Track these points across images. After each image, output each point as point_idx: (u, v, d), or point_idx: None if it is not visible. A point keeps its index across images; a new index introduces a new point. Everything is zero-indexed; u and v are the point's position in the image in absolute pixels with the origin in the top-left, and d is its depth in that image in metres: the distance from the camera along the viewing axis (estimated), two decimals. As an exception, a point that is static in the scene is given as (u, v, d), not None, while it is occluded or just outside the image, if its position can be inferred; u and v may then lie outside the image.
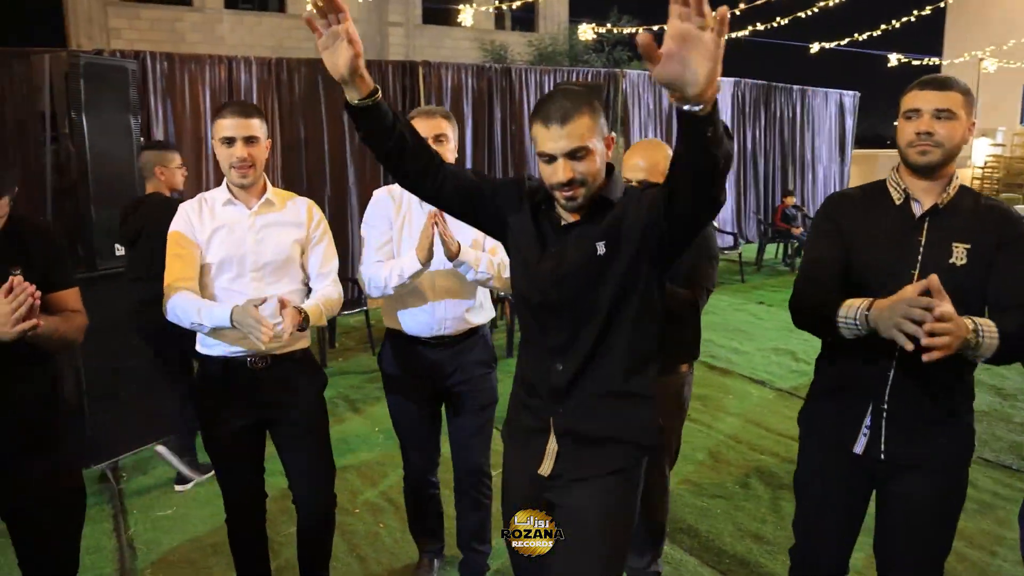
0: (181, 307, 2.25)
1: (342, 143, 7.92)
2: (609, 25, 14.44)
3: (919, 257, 1.86)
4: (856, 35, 14.13)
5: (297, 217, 2.46)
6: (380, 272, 2.47)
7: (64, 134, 3.80)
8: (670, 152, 2.32)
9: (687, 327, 2.47)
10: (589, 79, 9.70)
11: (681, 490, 3.70)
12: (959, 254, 1.83)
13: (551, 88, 8.51)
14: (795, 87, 12.46)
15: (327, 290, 2.46)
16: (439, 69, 8.52)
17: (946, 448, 1.91)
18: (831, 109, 13.28)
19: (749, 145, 11.86)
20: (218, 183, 2.59)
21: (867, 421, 1.94)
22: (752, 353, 6.31)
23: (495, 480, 2.60)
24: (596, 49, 19.15)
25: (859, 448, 1.96)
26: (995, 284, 1.82)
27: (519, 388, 1.96)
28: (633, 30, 13.92)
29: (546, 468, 1.85)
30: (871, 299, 1.71)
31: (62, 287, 2.07)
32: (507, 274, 2.37)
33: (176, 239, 2.35)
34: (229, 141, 2.30)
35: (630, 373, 1.79)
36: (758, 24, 11.82)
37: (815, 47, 14.20)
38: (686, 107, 1.32)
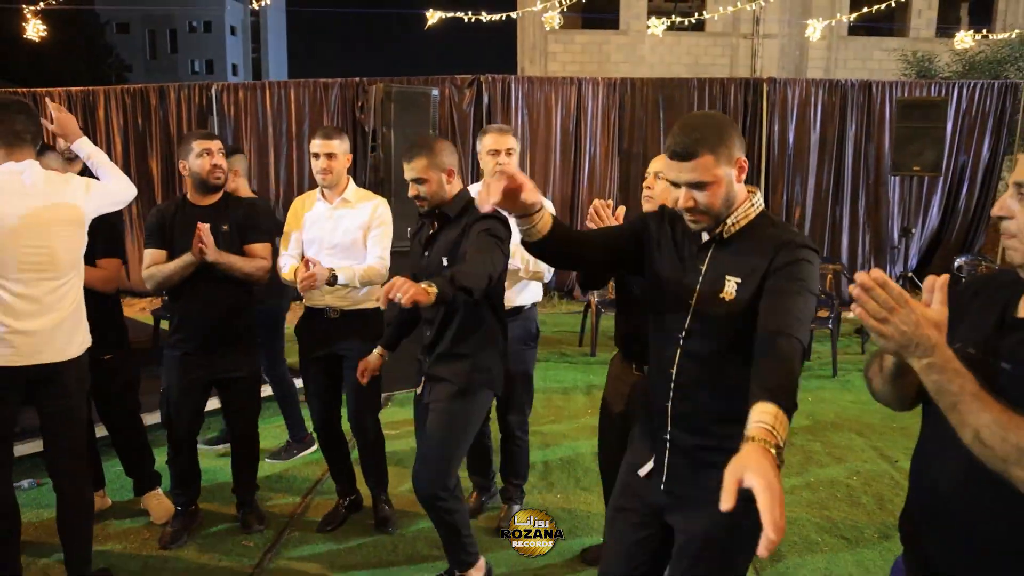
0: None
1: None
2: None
3: (697, 287, 1.78)
4: None
5: (362, 212, 3.17)
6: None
7: (378, 144, 5.12)
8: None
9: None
10: (975, 91, 8.59)
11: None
12: (730, 288, 1.72)
13: (905, 103, 7.93)
14: None
15: (371, 261, 3.12)
16: (784, 85, 8.49)
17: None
18: None
19: None
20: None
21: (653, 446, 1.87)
22: None
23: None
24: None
25: (643, 471, 1.87)
26: (760, 314, 1.64)
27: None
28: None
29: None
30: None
31: (252, 241, 3.15)
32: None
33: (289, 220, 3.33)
34: (316, 156, 3.11)
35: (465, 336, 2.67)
36: None
37: None
38: None
